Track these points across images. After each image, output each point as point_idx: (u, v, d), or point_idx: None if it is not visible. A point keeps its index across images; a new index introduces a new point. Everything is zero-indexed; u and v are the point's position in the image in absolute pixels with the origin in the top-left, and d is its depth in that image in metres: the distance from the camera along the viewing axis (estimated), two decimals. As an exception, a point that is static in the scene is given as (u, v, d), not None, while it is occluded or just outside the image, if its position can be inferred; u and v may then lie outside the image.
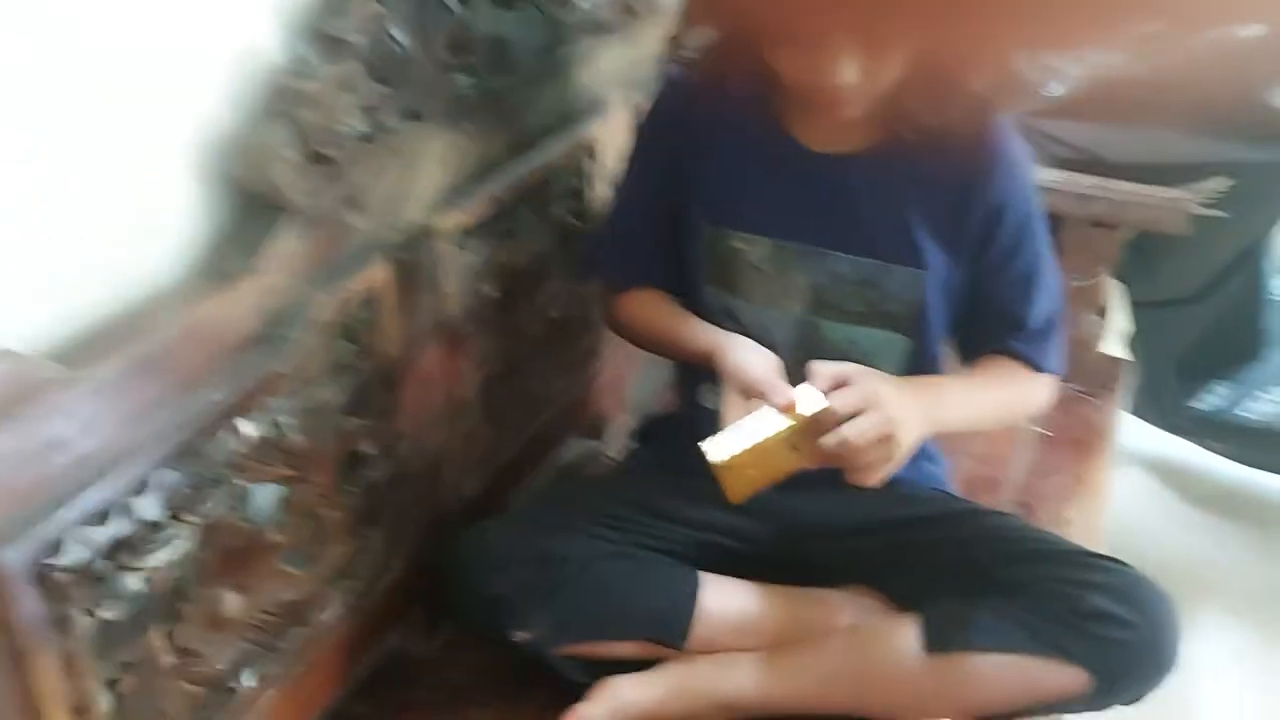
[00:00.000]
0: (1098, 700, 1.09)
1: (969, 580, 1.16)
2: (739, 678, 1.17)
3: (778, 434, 1.05)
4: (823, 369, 1.09)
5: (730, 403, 1.12)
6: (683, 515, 1.24)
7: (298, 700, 1.07)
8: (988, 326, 1.24)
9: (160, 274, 0.92)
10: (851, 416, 1.04)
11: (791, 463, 1.08)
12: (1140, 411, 2.17)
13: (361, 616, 1.13)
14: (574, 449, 1.57)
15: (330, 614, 1.08)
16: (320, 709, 1.11)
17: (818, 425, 1.05)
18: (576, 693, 1.15)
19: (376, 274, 1.06)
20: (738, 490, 1.07)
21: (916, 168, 1.15)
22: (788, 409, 1.06)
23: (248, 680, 0.99)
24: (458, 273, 1.18)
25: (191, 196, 0.93)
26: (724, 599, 1.21)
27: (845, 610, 1.21)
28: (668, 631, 1.18)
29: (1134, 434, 2.19)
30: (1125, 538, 1.64)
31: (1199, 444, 2.22)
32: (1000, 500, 1.57)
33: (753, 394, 1.09)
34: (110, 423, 0.82)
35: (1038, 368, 1.23)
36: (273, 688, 1.02)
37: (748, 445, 1.05)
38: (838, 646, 1.17)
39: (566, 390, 1.49)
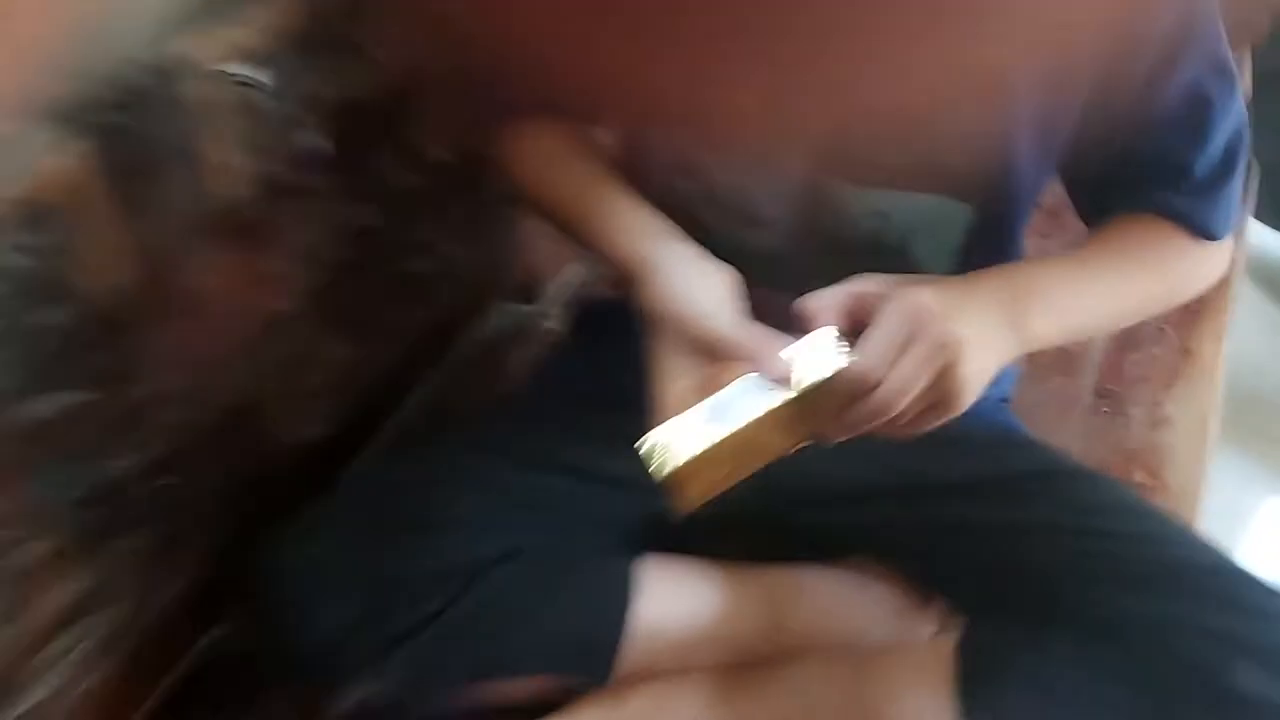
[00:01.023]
0: None
1: (1037, 597, 0.77)
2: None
3: (764, 416, 0.65)
4: (826, 300, 0.67)
5: (668, 364, 0.69)
6: (624, 477, 0.82)
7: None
8: (1131, 176, 0.78)
9: None
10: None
11: (783, 446, 0.69)
12: (1256, 211, 1.74)
13: (121, 664, 0.76)
14: (498, 319, 1.15)
15: (49, 687, 0.71)
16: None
17: (830, 388, 0.66)
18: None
19: (63, 167, 0.61)
20: (695, 498, 0.67)
21: None
22: (784, 381, 0.65)
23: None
24: (241, 124, 0.73)
25: None
26: (671, 600, 0.84)
27: (845, 607, 0.85)
28: (587, 665, 0.81)
29: (1251, 237, 1.76)
30: (1236, 365, 1.25)
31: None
32: (1077, 386, 1.17)
33: (716, 357, 0.67)
34: None
35: (1205, 234, 0.79)
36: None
37: (715, 441, 0.64)
38: (828, 675, 0.82)
39: (474, 254, 1.05)
